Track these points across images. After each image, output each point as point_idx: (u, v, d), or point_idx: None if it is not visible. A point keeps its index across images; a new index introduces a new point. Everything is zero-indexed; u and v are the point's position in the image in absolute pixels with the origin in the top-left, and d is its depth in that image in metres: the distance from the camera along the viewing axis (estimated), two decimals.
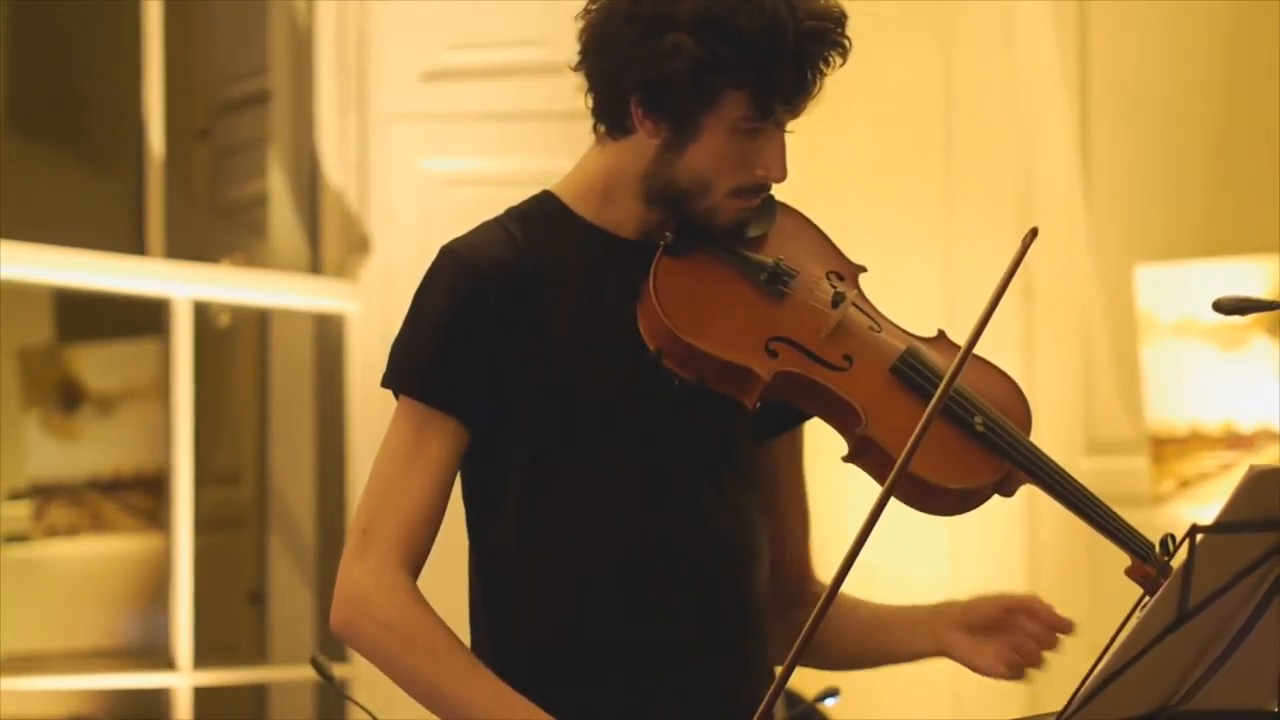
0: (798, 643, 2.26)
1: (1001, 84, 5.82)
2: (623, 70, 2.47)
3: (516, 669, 2.47)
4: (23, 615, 5.67)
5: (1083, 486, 2.54)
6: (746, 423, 2.57)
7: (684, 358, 2.46)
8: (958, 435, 2.50)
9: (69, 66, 6.22)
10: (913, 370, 2.52)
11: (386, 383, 2.52)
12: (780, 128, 2.54)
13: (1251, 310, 2.59)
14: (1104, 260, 5.71)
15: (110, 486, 5.98)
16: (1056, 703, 2.26)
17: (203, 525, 5.54)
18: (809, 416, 2.61)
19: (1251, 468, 2.12)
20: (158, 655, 5.54)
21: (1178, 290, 5.31)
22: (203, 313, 5.71)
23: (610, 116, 2.52)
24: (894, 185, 5.85)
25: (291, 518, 5.86)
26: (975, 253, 5.79)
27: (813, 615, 2.27)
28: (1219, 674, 2.25)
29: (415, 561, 2.46)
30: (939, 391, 2.34)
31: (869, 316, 2.57)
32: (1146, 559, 2.52)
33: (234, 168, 6.19)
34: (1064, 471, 2.53)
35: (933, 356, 2.56)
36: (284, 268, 5.84)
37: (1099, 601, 5.50)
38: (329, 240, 5.82)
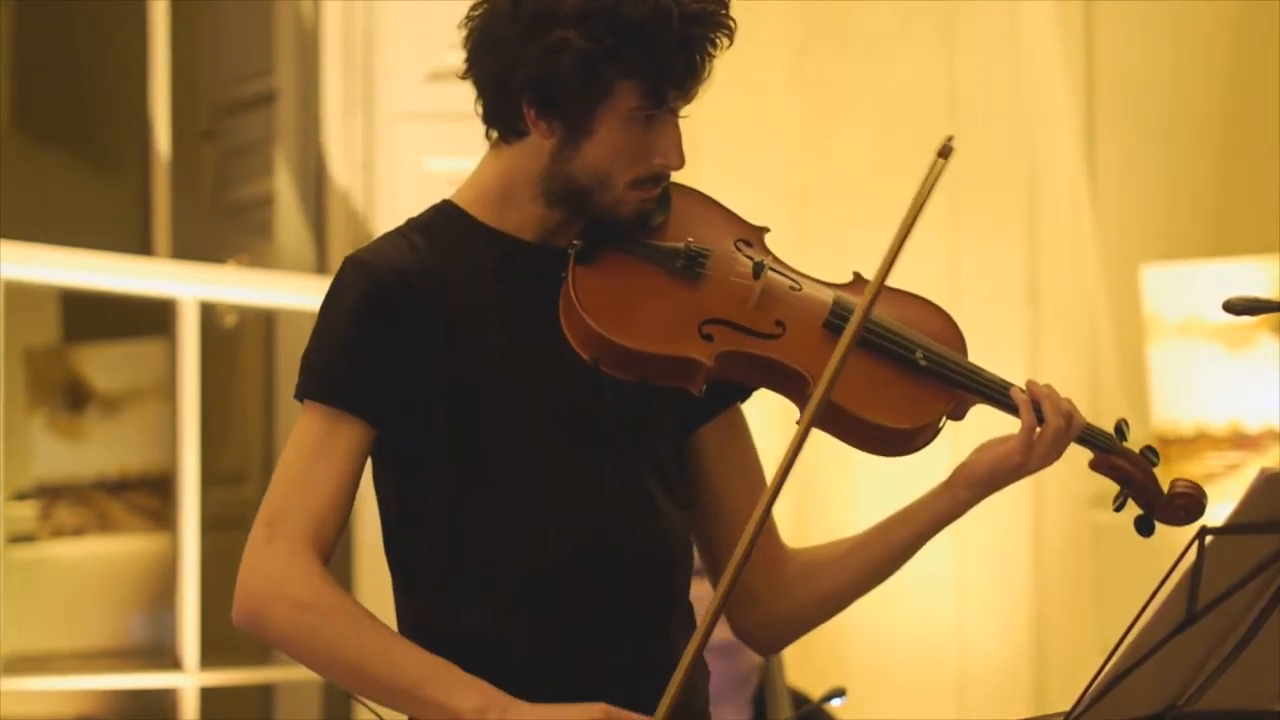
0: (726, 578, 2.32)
1: (1006, 84, 5.82)
2: (511, 72, 2.47)
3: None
4: (29, 615, 5.68)
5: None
6: (666, 421, 2.57)
7: (622, 362, 2.46)
8: (904, 374, 2.54)
9: (75, 67, 6.23)
10: (844, 321, 2.52)
11: (298, 394, 2.51)
12: (674, 114, 2.51)
13: (1262, 311, 2.60)
14: (1109, 260, 5.71)
15: (116, 487, 5.99)
16: (1064, 702, 2.26)
17: (209, 525, 5.54)
18: (733, 403, 2.63)
19: (1262, 470, 2.13)
20: (164, 655, 5.55)
21: (1184, 290, 5.31)
22: (209, 313, 5.72)
23: (502, 120, 2.52)
24: (899, 184, 5.83)
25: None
26: (980, 252, 5.80)
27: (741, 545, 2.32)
28: (1227, 674, 2.26)
29: (324, 552, 2.44)
30: (851, 325, 2.38)
31: (787, 277, 2.58)
32: (1109, 450, 2.57)
33: (240, 168, 6.20)
34: (1008, 385, 2.57)
35: (858, 302, 2.56)
36: (290, 268, 5.84)
37: (1105, 601, 5.51)
38: (335, 240, 5.82)
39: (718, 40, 2.49)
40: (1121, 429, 2.60)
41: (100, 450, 6.02)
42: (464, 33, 2.52)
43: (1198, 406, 5.28)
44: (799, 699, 4.54)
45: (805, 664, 5.36)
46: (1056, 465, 2.66)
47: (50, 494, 6.03)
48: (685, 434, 2.61)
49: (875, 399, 2.51)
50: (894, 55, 5.90)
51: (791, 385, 2.50)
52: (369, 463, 2.55)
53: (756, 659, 4.47)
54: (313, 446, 2.47)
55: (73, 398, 6.04)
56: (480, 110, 2.54)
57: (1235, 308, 2.63)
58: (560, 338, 2.48)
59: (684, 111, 2.52)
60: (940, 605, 5.74)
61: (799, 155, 5.97)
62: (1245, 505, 2.15)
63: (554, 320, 2.49)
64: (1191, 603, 2.15)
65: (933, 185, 2.44)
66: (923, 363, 2.55)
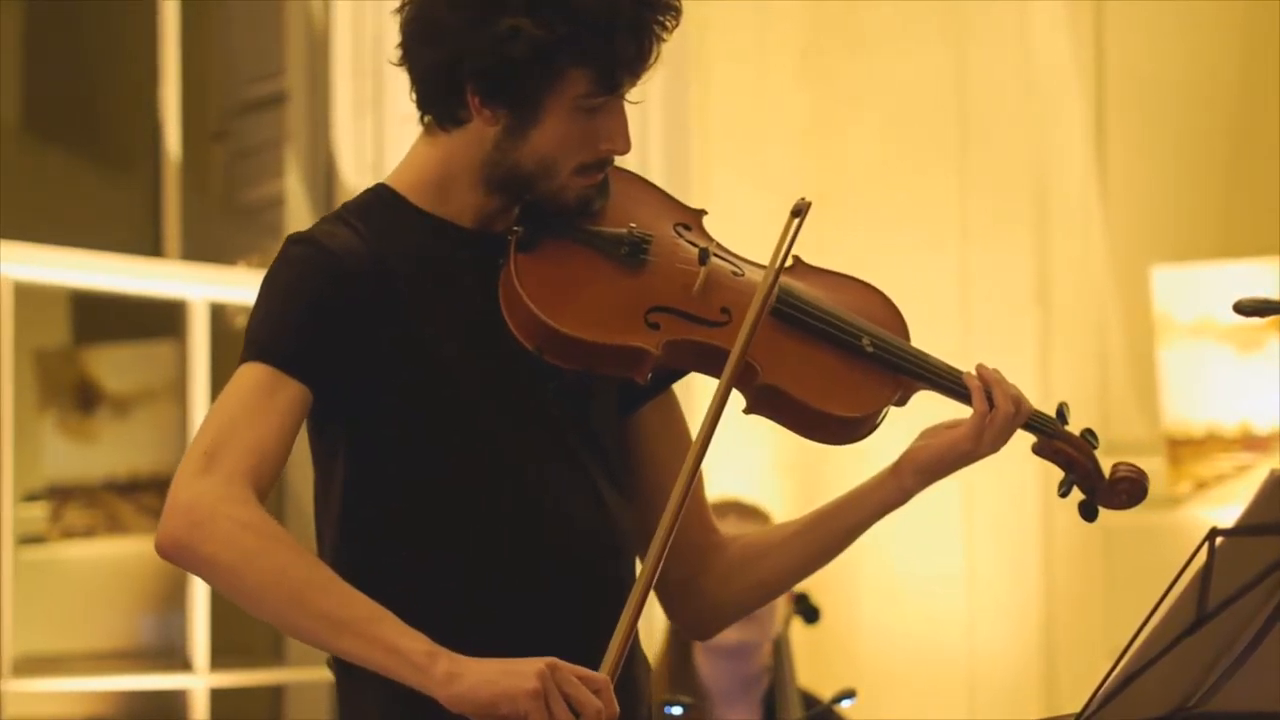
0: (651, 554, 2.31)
1: (1016, 84, 5.82)
2: (456, 60, 2.42)
3: None
4: (39, 616, 5.68)
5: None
6: (610, 410, 2.56)
7: (567, 351, 2.43)
8: (851, 362, 2.53)
9: (85, 69, 6.23)
10: (790, 307, 2.52)
11: (242, 360, 2.44)
12: (621, 99, 2.48)
13: (1272, 312, 2.59)
14: (1120, 261, 5.71)
15: (127, 488, 5.99)
16: (1075, 704, 2.26)
17: None
18: (672, 383, 2.61)
19: (1272, 471, 2.13)
20: (174, 656, 5.55)
21: (1194, 291, 5.30)
22: (219, 314, 5.72)
23: (442, 107, 2.47)
24: (908, 185, 5.85)
25: (307, 518, 5.84)
26: (989, 253, 5.79)
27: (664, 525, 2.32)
28: (1237, 675, 2.26)
29: (260, 492, 2.36)
30: (757, 300, 2.38)
31: (730, 263, 2.56)
32: (1054, 435, 2.56)
33: (250, 169, 6.20)
34: (954, 370, 2.55)
35: (801, 287, 2.57)
36: None
37: (1115, 602, 5.51)
38: None
39: (667, 22, 2.46)
40: (1063, 413, 2.59)
41: (110, 451, 6.02)
42: (400, 16, 2.48)
43: (1208, 408, 5.27)
44: (809, 700, 4.54)
45: (815, 665, 5.35)
46: None
47: (60, 495, 6.03)
48: (625, 414, 2.59)
49: (822, 386, 2.49)
50: (903, 55, 5.90)
51: (739, 373, 2.47)
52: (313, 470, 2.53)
53: (767, 660, 4.47)
54: (255, 393, 2.39)
55: (83, 399, 6.04)
56: (414, 97, 2.49)
57: (1246, 309, 2.63)
58: (503, 326, 2.45)
59: (632, 96, 2.48)
60: (950, 607, 5.73)
61: (808, 155, 5.97)
62: (1255, 506, 2.15)
63: (496, 308, 2.46)
64: (1201, 604, 2.15)
65: (790, 245, 2.44)
66: (869, 349, 2.53)
